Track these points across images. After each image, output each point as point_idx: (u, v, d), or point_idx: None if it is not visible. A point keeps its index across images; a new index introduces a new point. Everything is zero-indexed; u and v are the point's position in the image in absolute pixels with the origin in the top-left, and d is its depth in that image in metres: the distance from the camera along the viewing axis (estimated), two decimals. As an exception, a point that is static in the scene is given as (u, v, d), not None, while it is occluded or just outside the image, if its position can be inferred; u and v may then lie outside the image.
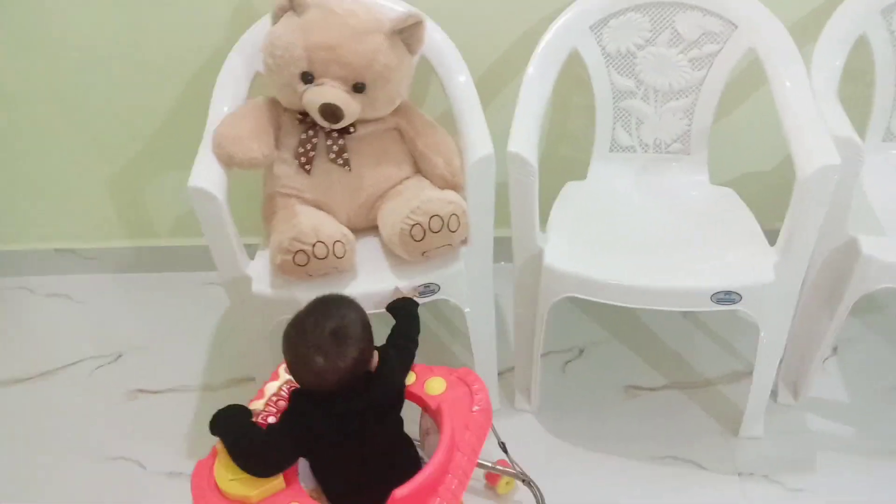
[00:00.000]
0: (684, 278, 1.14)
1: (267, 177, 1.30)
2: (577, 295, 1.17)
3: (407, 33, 1.21)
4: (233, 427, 0.91)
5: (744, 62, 1.32)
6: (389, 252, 1.23)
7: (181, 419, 1.44)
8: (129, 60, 1.50)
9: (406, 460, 0.95)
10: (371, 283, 1.17)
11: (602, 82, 1.37)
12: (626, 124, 1.42)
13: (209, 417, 0.91)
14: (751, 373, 1.25)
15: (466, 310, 1.24)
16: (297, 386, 0.93)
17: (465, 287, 1.22)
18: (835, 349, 1.49)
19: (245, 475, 0.86)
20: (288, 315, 1.14)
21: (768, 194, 1.33)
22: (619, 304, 1.16)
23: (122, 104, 1.57)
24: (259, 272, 1.20)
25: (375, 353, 0.91)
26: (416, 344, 1.04)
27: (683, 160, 1.41)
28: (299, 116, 1.25)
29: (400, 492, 0.81)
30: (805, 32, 1.33)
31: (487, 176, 1.17)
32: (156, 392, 1.51)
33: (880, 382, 1.43)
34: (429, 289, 1.18)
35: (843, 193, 1.12)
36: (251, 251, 1.26)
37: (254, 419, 0.94)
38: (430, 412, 0.98)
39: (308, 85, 1.20)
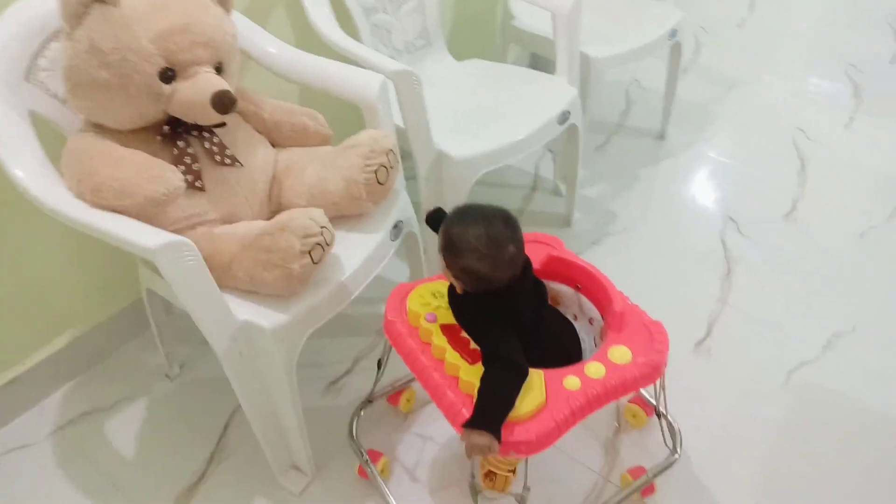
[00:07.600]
0: (539, 117, 1.42)
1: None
2: (486, 170, 1.35)
3: (222, -5, 1.08)
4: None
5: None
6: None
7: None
8: None
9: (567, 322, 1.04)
10: (364, 249, 1.09)
11: (356, 7, 1.46)
12: (382, 38, 1.55)
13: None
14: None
15: (415, 231, 1.27)
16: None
17: (412, 212, 1.24)
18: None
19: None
20: (312, 328, 1.02)
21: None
22: (511, 162, 1.39)
23: None
24: (242, 314, 0.98)
25: None
26: None
27: (430, 51, 1.64)
28: (165, 130, 1.00)
29: (618, 306, 0.95)
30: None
31: (386, 99, 1.18)
32: None
33: (590, 147, 2.04)
34: (397, 229, 1.17)
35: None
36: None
37: None
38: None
39: (173, 83, 0.97)
